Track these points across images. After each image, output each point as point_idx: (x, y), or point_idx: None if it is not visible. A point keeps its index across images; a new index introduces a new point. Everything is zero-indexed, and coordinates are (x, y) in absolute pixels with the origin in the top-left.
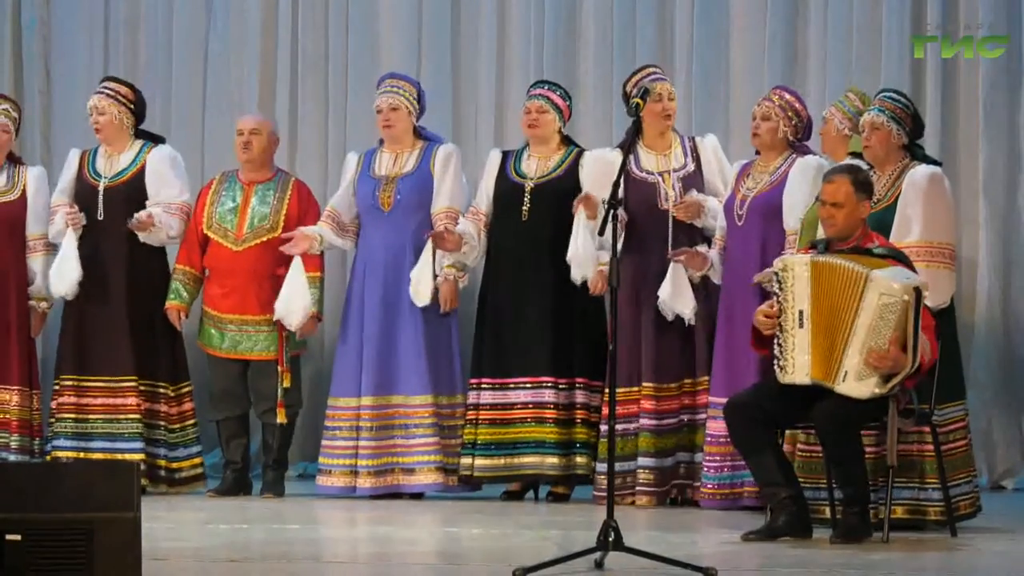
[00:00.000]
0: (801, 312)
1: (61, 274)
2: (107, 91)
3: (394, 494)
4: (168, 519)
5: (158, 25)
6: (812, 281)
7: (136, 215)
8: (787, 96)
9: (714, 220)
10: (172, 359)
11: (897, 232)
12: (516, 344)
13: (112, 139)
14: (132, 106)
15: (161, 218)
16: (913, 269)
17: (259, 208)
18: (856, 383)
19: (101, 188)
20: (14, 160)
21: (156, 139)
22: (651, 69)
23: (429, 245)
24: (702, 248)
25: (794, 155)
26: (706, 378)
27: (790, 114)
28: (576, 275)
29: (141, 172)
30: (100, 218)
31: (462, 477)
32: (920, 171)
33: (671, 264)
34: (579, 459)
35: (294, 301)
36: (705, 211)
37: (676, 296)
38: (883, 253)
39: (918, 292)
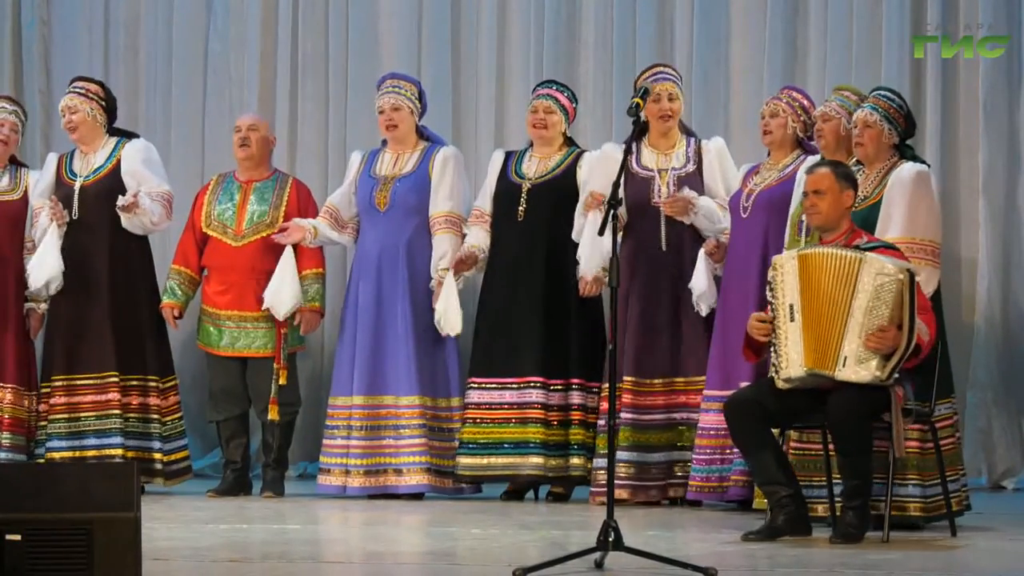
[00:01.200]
0: (791, 306)
1: (40, 267)
2: (77, 90)
3: (390, 494)
4: (168, 519)
5: (158, 25)
6: (800, 273)
7: (122, 198)
8: (795, 94)
9: (708, 221)
10: (158, 353)
11: (881, 228)
12: (506, 344)
13: (87, 138)
14: (104, 103)
15: (144, 201)
16: (904, 259)
17: (258, 205)
18: (856, 367)
19: (77, 187)
20: (16, 162)
21: (130, 135)
22: (658, 68)
23: (450, 276)
24: (724, 239)
25: (804, 154)
26: (701, 378)
27: (798, 110)
28: (585, 270)
29: (117, 168)
30: (75, 217)
31: (456, 476)
32: (906, 169)
33: (701, 256)
34: (575, 460)
35: (283, 291)
36: (695, 208)
37: (707, 289)
38: (871, 247)
39: (911, 274)
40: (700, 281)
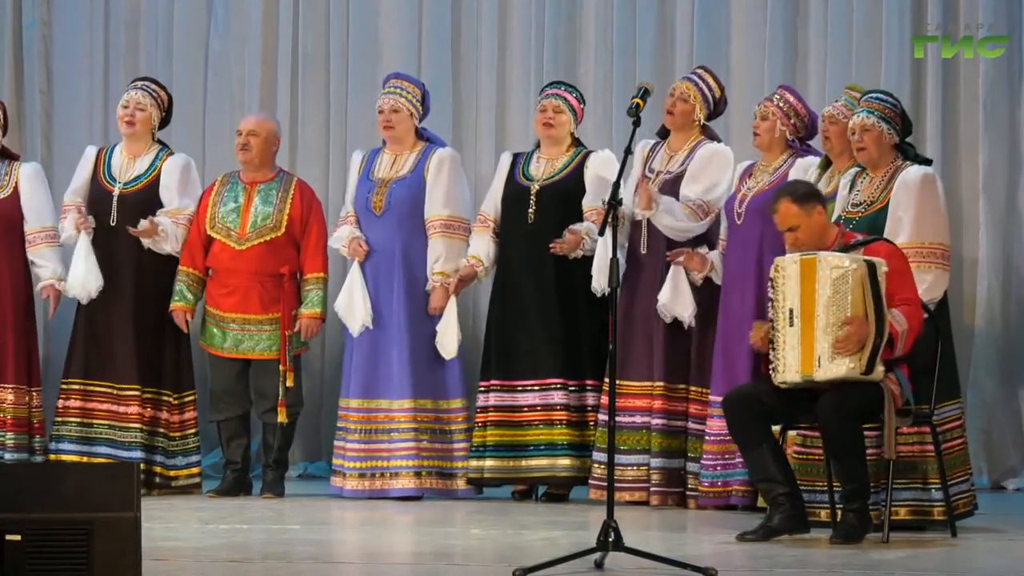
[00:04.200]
0: (791, 311)
1: (76, 277)
2: (149, 90)
3: (385, 497)
4: (168, 519)
5: (158, 25)
6: (802, 278)
7: (141, 222)
8: (788, 96)
9: (671, 217)
10: (176, 367)
11: (889, 233)
12: (523, 346)
13: (138, 137)
14: (164, 111)
15: (167, 228)
16: (899, 252)
17: (262, 208)
18: (830, 365)
19: (116, 193)
20: (9, 156)
21: (165, 145)
22: (695, 69)
23: (452, 300)
24: (701, 249)
25: (794, 156)
26: (680, 386)
27: (788, 113)
28: (598, 286)
29: (156, 181)
30: (113, 224)
31: (471, 479)
32: (912, 172)
33: (671, 266)
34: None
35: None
36: (655, 203)
37: (675, 299)
38: (864, 241)
39: (870, 265)
40: (665, 292)
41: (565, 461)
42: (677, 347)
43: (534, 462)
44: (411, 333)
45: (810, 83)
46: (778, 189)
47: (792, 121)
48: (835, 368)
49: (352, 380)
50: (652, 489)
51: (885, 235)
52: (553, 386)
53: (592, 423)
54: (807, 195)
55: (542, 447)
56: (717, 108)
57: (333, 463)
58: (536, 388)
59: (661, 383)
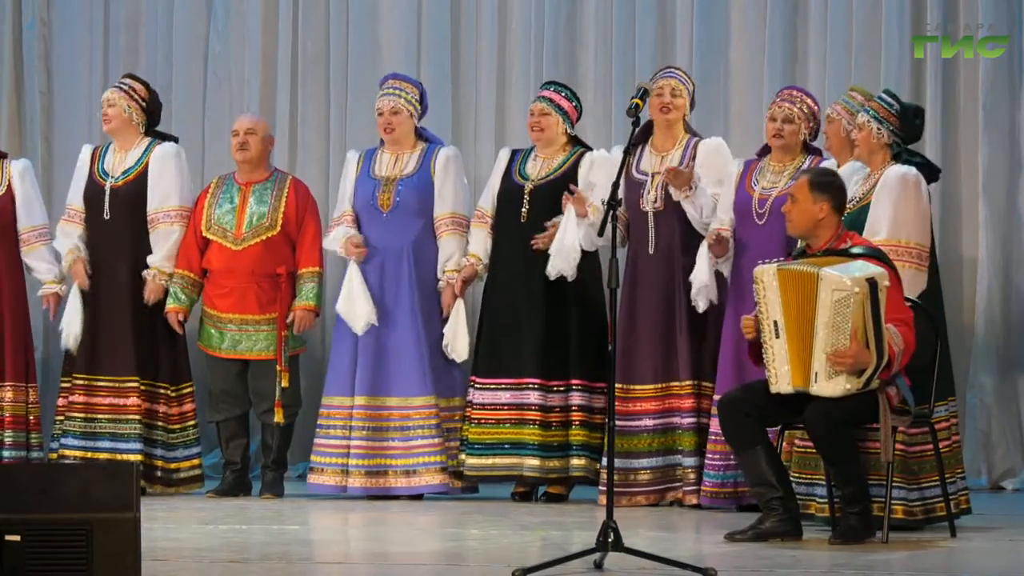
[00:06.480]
0: (775, 322)
1: (68, 330)
2: (121, 86)
3: (390, 496)
4: (168, 519)
5: (158, 25)
6: (781, 290)
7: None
8: (807, 99)
9: (698, 210)
10: (173, 359)
11: (867, 231)
12: (507, 346)
13: (119, 132)
14: (144, 104)
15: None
16: (891, 265)
17: (257, 207)
18: (827, 382)
19: (107, 187)
20: None
21: (167, 138)
22: (667, 68)
23: (459, 303)
24: (725, 234)
25: (811, 157)
26: (689, 382)
27: (809, 117)
28: (552, 270)
29: (145, 172)
30: (107, 217)
31: (462, 476)
32: (893, 171)
33: (702, 249)
34: (576, 461)
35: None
36: (695, 184)
37: (710, 283)
38: (860, 252)
39: (872, 283)
40: (702, 274)
41: (533, 461)
42: (698, 344)
43: (506, 460)
44: (427, 330)
45: (810, 83)
46: (809, 168)
47: (811, 124)
48: (832, 386)
49: (357, 377)
50: (686, 489)
51: (864, 232)
52: (529, 386)
53: (576, 423)
54: (823, 185)
55: (513, 446)
56: (693, 105)
57: (314, 460)
58: (513, 387)
59: (689, 381)
